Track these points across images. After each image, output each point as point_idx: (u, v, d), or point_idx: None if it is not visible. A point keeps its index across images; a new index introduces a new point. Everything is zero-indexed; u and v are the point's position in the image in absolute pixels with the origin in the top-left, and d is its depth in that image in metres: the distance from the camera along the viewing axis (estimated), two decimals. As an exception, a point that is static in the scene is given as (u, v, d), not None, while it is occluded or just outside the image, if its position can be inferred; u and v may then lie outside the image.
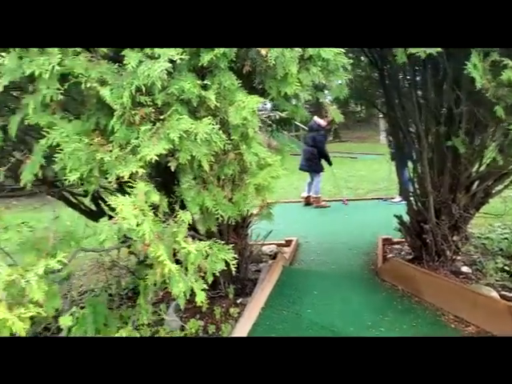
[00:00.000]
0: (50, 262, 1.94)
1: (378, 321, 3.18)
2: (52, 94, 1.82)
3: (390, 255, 4.57)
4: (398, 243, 4.90)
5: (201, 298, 2.16)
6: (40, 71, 1.75)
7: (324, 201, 7.62)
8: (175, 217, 2.16)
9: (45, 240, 2.29)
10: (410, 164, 4.17)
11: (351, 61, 2.44)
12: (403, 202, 6.77)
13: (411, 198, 4.07)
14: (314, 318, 3.10)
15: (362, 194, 8.43)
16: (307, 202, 7.65)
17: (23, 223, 2.26)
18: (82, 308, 3.09)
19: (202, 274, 2.26)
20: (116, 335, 2.94)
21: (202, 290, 2.20)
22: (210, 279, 2.26)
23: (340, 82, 2.74)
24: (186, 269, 2.11)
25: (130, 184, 1.97)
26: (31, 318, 1.92)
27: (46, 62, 1.74)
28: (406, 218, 4.16)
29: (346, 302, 3.50)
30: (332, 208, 7.42)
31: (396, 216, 4.23)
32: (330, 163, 7.58)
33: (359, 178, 9.45)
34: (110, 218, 1.90)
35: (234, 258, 2.25)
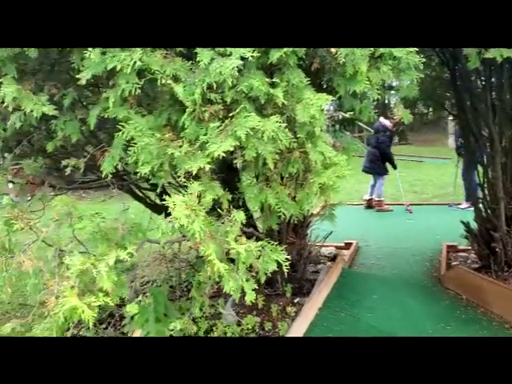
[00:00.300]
0: (120, 253, 2.03)
1: (440, 329, 3.06)
2: (131, 88, 1.91)
3: (455, 263, 4.38)
4: (463, 251, 4.69)
5: (250, 298, 2.17)
6: (121, 66, 1.84)
7: (386, 204, 7.42)
8: (230, 216, 2.18)
9: (115, 230, 2.41)
10: (479, 168, 3.98)
11: (423, 59, 2.37)
12: (471, 209, 6.53)
13: (480, 205, 3.88)
14: (372, 322, 3.04)
15: (427, 198, 8.13)
16: (369, 205, 7.48)
17: (96, 213, 2.38)
18: (146, 297, 3.22)
19: (254, 274, 2.28)
20: (172, 325, 3.04)
21: (253, 289, 2.21)
22: (263, 279, 2.27)
23: (409, 81, 2.66)
24: (238, 268, 2.13)
25: (185, 183, 2.02)
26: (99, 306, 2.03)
27: (128, 57, 1.83)
28: (474, 225, 3.97)
29: (407, 308, 3.41)
30: (395, 212, 7.20)
31: (463, 222, 4.04)
32: (394, 166, 7.35)
33: (425, 183, 9.13)
34: (168, 214, 1.96)
35: (287, 259, 2.24)
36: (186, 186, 2.04)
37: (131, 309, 2.53)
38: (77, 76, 2.01)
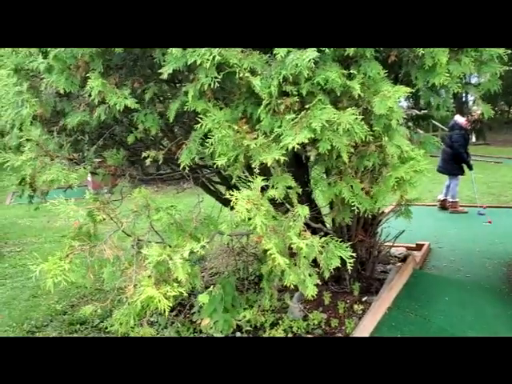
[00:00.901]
0: (194, 246, 2.11)
1: (515, 337, 2.89)
2: (210, 82, 1.98)
3: (537, 269, 4.10)
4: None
5: (311, 292, 2.18)
6: (201, 60, 1.90)
7: (461, 206, 7.08)
8: (294, 209, 2.20)
9: (189, 222, 2.50)
10: None
11: (508, 51, 2.25)
12: None
13: None
14: (443, 324, 2.93)
15: (506, 201, 7.65)
16: (443, 206, 7.17)
17: (172, 206, 2.48)
18: (215, 288, 3.32)
19: (318, 270, 2.27)
20: (241, 315, 3.10)
21: (318, 285, 2.22)
22: (326, 274, 2.26)
23: (491, 75, 2.52)
24: (299, 262, 2.14)
25: (249, 179, 2.06)
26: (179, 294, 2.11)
27: (208, 52, 1.89)
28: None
29: (480, 313, 3.25)
30: (470, 214, 6.85)
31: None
32: (469, 167, 6.98)
33: (503, 185, 8.58)
34: (232, 208, 2.01)
35: (353, 256, 2.22)
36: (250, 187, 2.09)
37: (203, 299, 2.62)
38: (159, 71, 2.11)
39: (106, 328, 3.19)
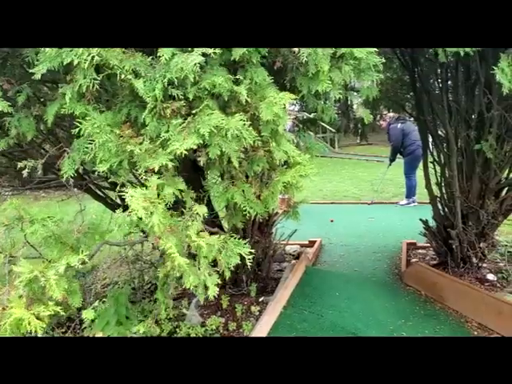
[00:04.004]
0: (71, 260, 1.96)
1: (400, 325, 3.13)
2: (88, 83, 1.85)
3: (414, 260, 4.50)
4: (422, 248, 4.82)
5: (213, 293, 2.15)
6: (79, 60, 1.77)
7: (349, 203, 7.64)
8: (191, 210, 2.15)
9: (69, 233, 2.32)
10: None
11: (383, 60, 2.41)
12: (410, 205, 7.07)
13: (438, 203, 4.00)
14: (335, 319, 3.07)
15: (387, 197, 8.33)
16: None
17: (49, 217, 2.28)
18: (104, 302, 3.14)
19: (218, 269, 2.25)
20: (136, 328, 2.97)
21: (217, 286, 2.19)
22: (227, 274, 2.25)
23: (370, 83, 2.70)
24: (199, 262, 2.10)
25: (146, 179, 1.98)
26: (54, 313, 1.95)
27: (86, 51, 1.76)
28: (432, 223, 4.09)
29: (369, 304, 3.46)
30: (357, 210, 7.36)
31: (422, 220, 4.16)
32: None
33: (385, 182, 9.32)
34: (126, 209, 1.91)
35: (250, 252, 2.22)
36: (147, 186, 1.99)
37: (87, 314, 2.44)
38: (31, 71, 1.92)
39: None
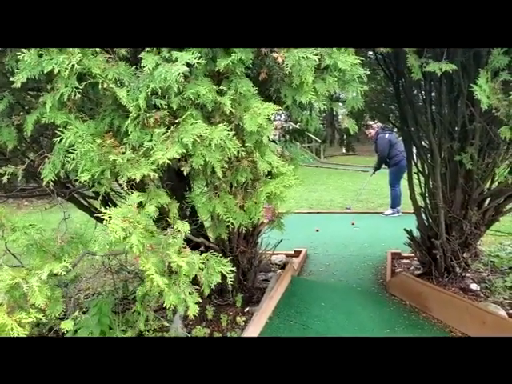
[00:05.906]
0: (55, 267, 1.94)
1: (386, 335, 3.14)
2: (70, 92, 1.83)
3: (399, 270, 4.52)
4: (407, 258, 4.85)
5: (193, 312, 2.15)
6: (59, 69, 1.75)
7: (334, 212, 7.67)
8: (174, 224, 2.14)
9: (52, 242, 2.29)
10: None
11: (367, 72, 2.43)
12: (396, 215, 7.16)
13: (422, 213, 4.03)
14: (321, 329, 3.06)
15: (373, 207, 8.39)
16: None
17: (30, 225, 2.25)
18: (85, 313, 3.09)
19: (198, 287, 2.25)
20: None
21: (199, 302, 2.20)
22: (206, 291, 2.25)
23: (355, 94, 2.73)
24: (179, 281, 2.10)
25: (122, 195, 1.96)
26: (37, 321, 1.92)
27: (66, 60, 1.74)
28: (416, 233, 4.12)
29: (354, 314, 3.47)
30: (342, 220, 7.38)
31: (406, 230, 4.18)
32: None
33: (369, 191, 9.39)
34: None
35: (231, 270, 2.23)
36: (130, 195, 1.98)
37: (66, 325, 2.39)
38: (11, 79, 1.90)
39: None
